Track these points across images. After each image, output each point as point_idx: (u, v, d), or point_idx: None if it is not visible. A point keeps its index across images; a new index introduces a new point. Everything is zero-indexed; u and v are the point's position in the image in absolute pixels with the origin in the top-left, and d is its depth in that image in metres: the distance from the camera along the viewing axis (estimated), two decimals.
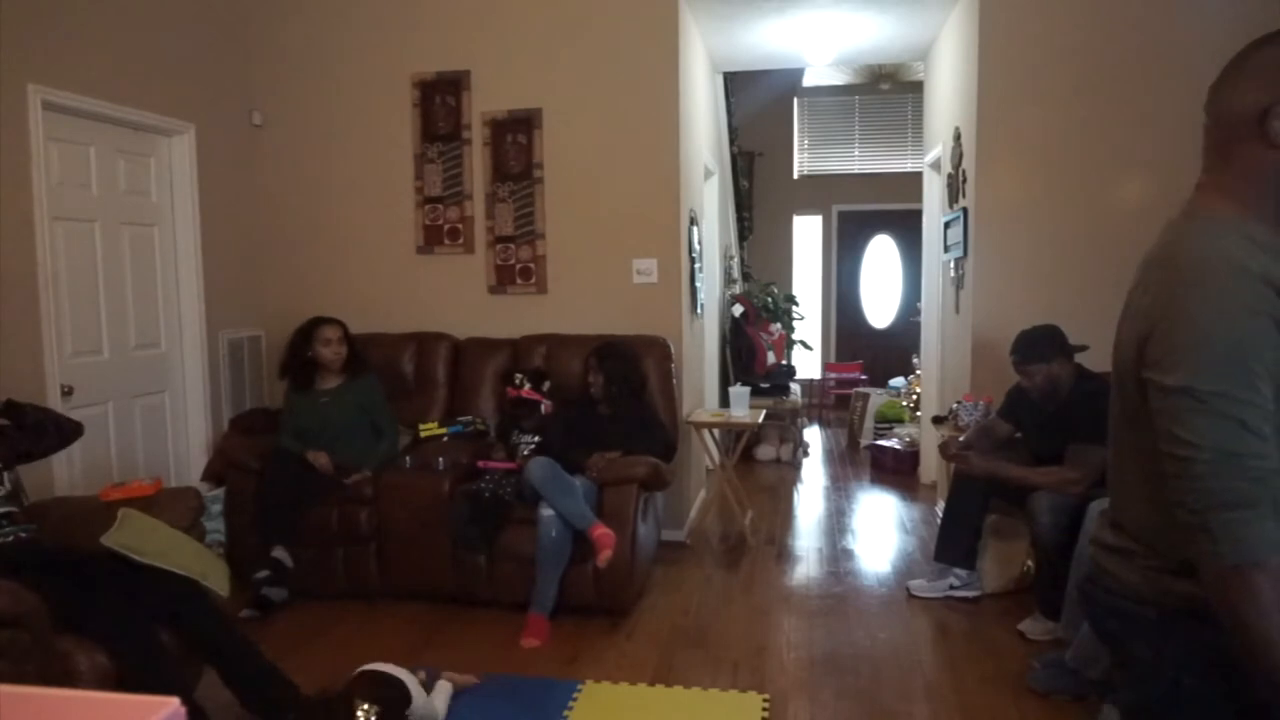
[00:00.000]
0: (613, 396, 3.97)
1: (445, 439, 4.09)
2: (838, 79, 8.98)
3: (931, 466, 5.80)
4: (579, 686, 3.04)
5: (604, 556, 3.42)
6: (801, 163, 9.50)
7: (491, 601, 3.68)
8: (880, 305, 9.56)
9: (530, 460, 3.63)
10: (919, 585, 3.92)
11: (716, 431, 5.01)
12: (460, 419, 4.23)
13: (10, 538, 2.55)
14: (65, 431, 2.92)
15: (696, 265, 5.13)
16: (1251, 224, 1.20)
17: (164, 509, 2.84)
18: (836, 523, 5.19)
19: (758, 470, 6.54)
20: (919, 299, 6.50)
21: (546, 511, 3.47)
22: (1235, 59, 1.23)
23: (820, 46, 5.60)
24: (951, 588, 3.82)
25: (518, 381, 4.17)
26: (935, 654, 3.35)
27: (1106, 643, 1.43)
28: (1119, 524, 1.34)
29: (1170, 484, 1.17)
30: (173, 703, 0.76)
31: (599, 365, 3.98)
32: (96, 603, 2.38)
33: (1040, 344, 3.41)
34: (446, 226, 4.70)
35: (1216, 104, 1.24)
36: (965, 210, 4.56)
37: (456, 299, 4.69)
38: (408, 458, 3.95)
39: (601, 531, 3.45)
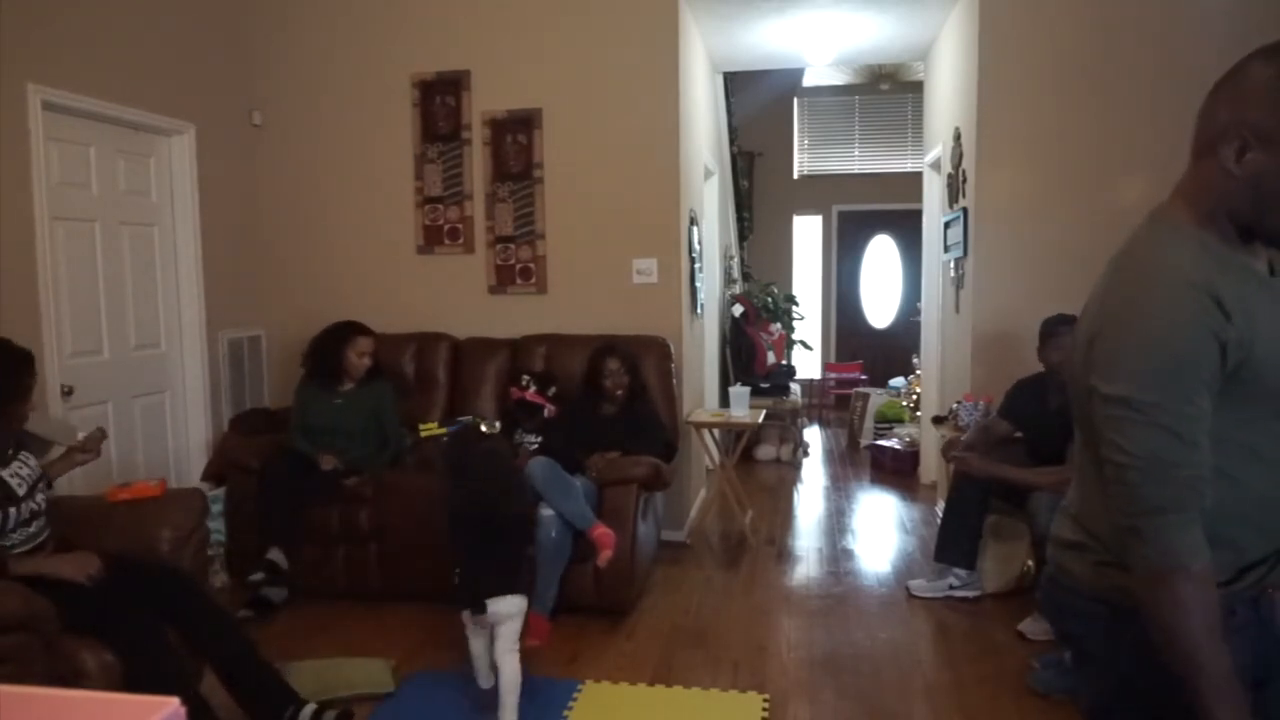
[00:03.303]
0: (629, 396, 3.97)
1: (445, 439, 4.09)
2: (838, 79, 8.98)
3: (931, 466, 5.80)
4: (579, 686, 3.04)
5: (604, 556, 3.42)
6: (801, 163, 9.50)
7: None
8: (880, 305, 9.56)
9: (530, 460, 3.63)
10: (919, 585, 3.92)
11: (716, 431, 5.01)
12: (460, 419, 4.23)
13: (29, 546, 2.54)
14: None
15: (696, 265, 5.13)
16: (1207, 233, 1.22)
17: (169, 510, 2.84)
18: (836, 523, 5.19)
19: (758, 470, 6.54)
20: (919, 299, 6.50)
21: (546, 511, 3.47)
22: (1231, 68, 1.22)
23: (820, 46, 5.60)
24: (951, 588, 3.82)
25: (524, 383, 4.17)
26: (935, 654, 3.35)
27: (1063, 641, 1.47)
28: (1077, 518, 1.37)
29: (1108, 488, 1.21)
30: (172, 703, 0.76)
31: (624, 365, 3.97)
32: (103, 603, 2.39)
33: (1067, 318, 3.42)
34: (446, 226, 4.70)
35: (1200, 113, 1.24)
36: (965, 210, 4.56)
37: (456, 299, 4.69)
38: (408, 458, 3.94)
39: (601, 531, 3.45)
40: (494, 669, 2.79)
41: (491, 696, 2.80)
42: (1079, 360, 1.28)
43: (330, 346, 3.99)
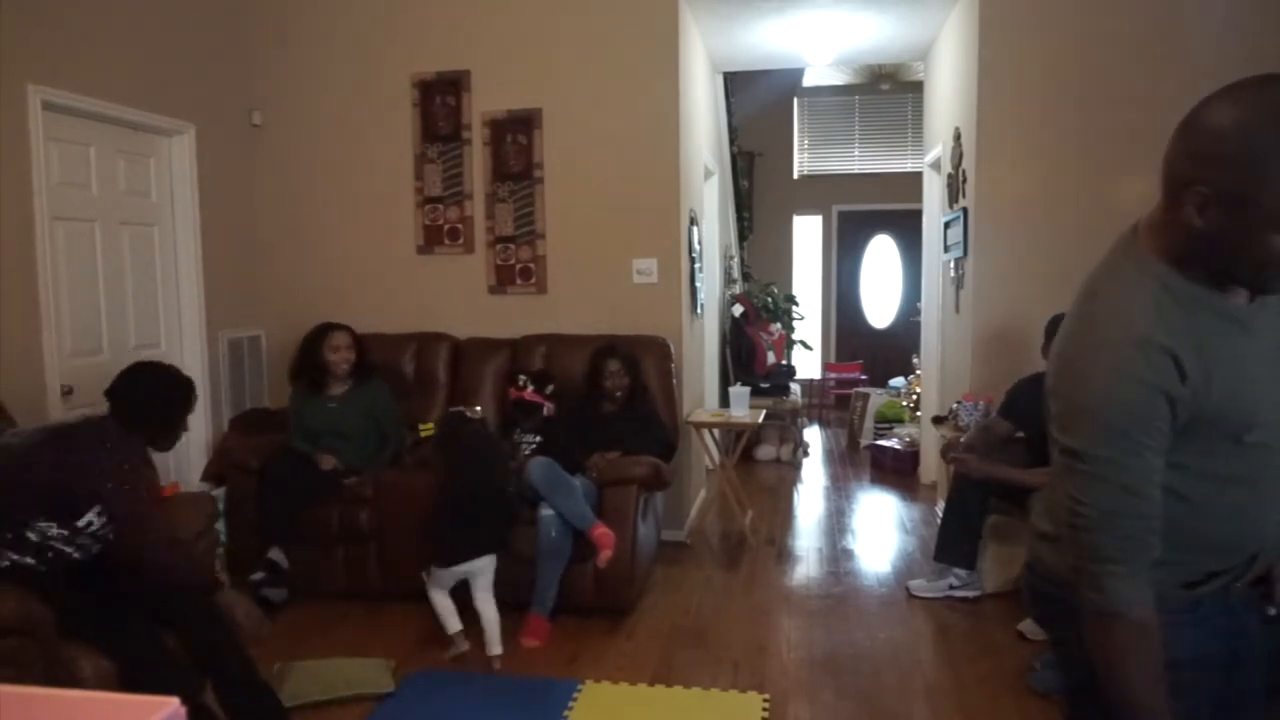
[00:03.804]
0: (629, 396, 3.97)
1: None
2: (838, 79, 8.98)
3: (931, 466, 5.80)
4: (579, 686, 3.04)
5: (604, 556, 3.42)
6: (801, 163, 9.50)
7: None
8: (880, 305, 9.56)
9: (530, 460, 3.63)
10: (919, 585, 3.92)
11: (716, 431, 5.01)
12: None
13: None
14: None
15: (696, 265, 5.13)
16: (1175, 274, 1.22)
17: (179, 513, 2.84)
18: (836, 523, 5.19)
19: (758, 470, 6.54)
20: (919, 299, 6.50)
21: (546, 511, 3.47)
22: (1191, 112, 1.18)
23: (820, 46, 5.60)
24: (951, 588, 3.82)
25: (521, 383, 4.16)
26: (935, 654, 3.35)
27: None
28: (1051, 513, 1.40)
29: (1063, 528, 1.26)
30: (172, 703, 0.76)
31: (624, 366, 3.97)
32: (102, 606, 2.38)
33: None
34: (446, 226, 4.70)
35: (1165, 154, 1.21)
36: (965, 210, 4.56)
37: (456, 299, 4.69)
38: (407, 458, 3.94)
39: (601, 531, 3.45)
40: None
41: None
42: (1047, 391, 1.31)
43: (307, 350, 3.99)
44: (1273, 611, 1.34)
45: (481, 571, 3.25)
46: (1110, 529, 1.19)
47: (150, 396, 2.65)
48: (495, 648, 3.18)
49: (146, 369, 2.74)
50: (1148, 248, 1.24)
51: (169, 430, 2.69)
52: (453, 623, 3.22)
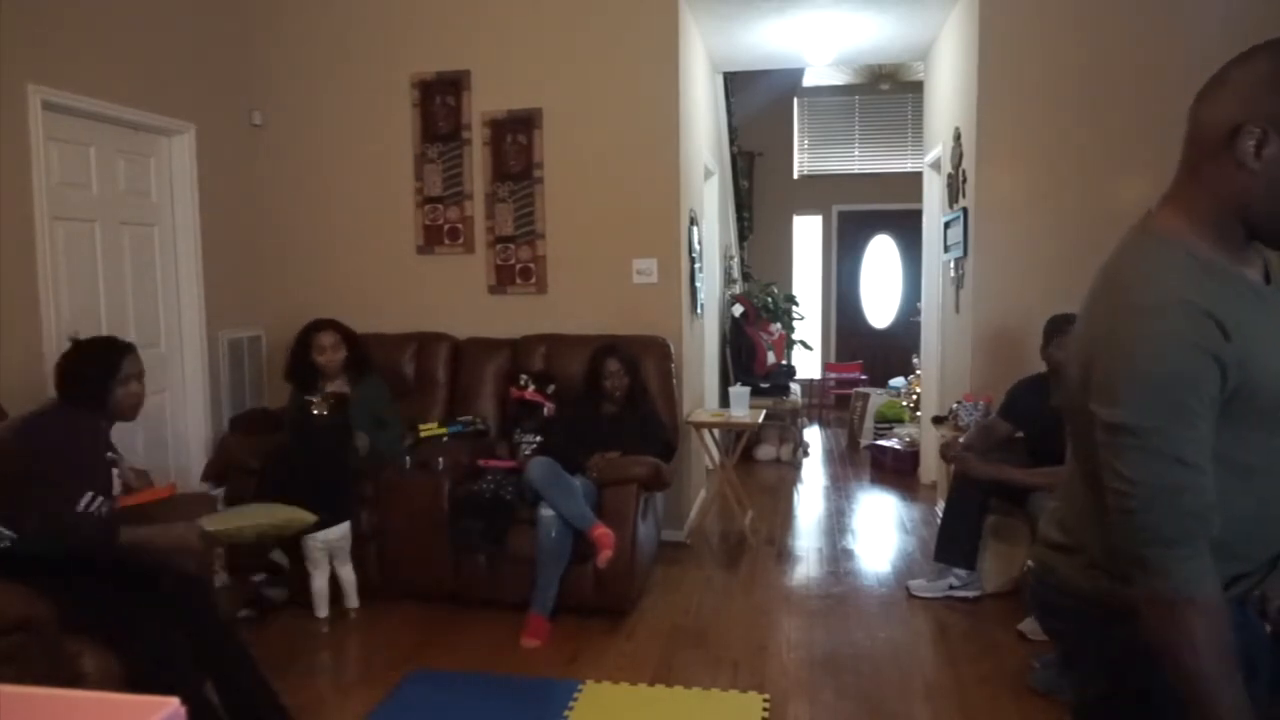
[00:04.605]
0: (629, 396, 3.98)
1: (445, 439, 4.09)
2: (838, 79, 8.98)
3: (931, 466, 5.80)
4: (579, 686, 3.04)
5: (604, 556, 3.42)
6: (801, 163, 9.50)
7: (491, 601, 3.68)
8: (880, 305, 9.56)
9: (531, 460, 3.63)
10: (919, 585, 3.92)
11: (716, 431, 5.01)
12: (460, 419, 4.23)
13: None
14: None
15: (696, 265, 5.13)
16: (1203, 244, 1.18)
17: (178, 514, 2.83)
18: (836, 523, 5.19)
19: (758, 470, 6.54)
20: (919, 299, 6.50)
21: (546, 511, 3.47)
22: (1218, 72, 1.18)
23: (820, 46, 5.60)
24: (951, 588, 3.82)
25: (522, 383, 4.17)
26: (935, 654, 3.35)
27: (1051, 636, 1.46)
28: (1064, 522, 1.35)
29: (1110, 516, 1.17)
30: (172, 703, 0.76)
31: (623, 367, 3.97)
32: (108, 603, 2.38)
33: (1072, 317, 3.43)
34: (446, 226, 4.70)
35: (1194, 116, 1.20)
36: (965, 210, 4.56)
37: (456, 299, 4.69)
38: (408, 458, 3.94)
39: (601, 531, 3.45)
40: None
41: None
42: (1075, 378, 1.25)
43: (298, 351, 3.95)
44: (1268, 629, 1.31)
45: (340, 539, 3.60)
46: (1168, 507, 1.11)
47: (75, 366, 2.62)
48: (353, 601, 3.66)
49: (74, 345, 2.70)
50: (1168, 228, 1.21)
51: (102, 394, 2.61)
52: (321, 610, 3.60)
